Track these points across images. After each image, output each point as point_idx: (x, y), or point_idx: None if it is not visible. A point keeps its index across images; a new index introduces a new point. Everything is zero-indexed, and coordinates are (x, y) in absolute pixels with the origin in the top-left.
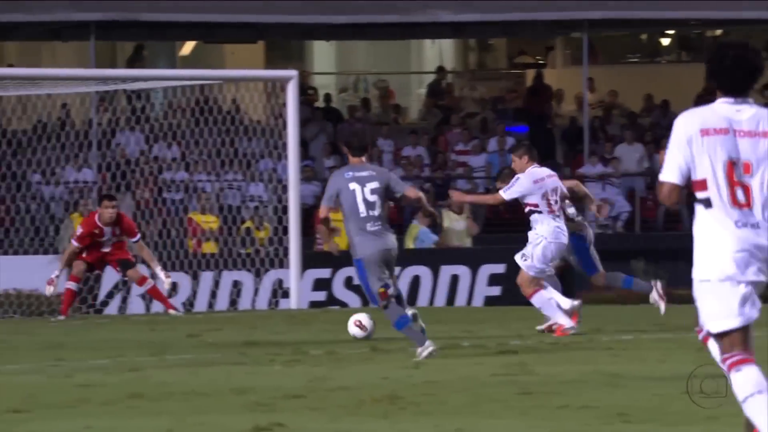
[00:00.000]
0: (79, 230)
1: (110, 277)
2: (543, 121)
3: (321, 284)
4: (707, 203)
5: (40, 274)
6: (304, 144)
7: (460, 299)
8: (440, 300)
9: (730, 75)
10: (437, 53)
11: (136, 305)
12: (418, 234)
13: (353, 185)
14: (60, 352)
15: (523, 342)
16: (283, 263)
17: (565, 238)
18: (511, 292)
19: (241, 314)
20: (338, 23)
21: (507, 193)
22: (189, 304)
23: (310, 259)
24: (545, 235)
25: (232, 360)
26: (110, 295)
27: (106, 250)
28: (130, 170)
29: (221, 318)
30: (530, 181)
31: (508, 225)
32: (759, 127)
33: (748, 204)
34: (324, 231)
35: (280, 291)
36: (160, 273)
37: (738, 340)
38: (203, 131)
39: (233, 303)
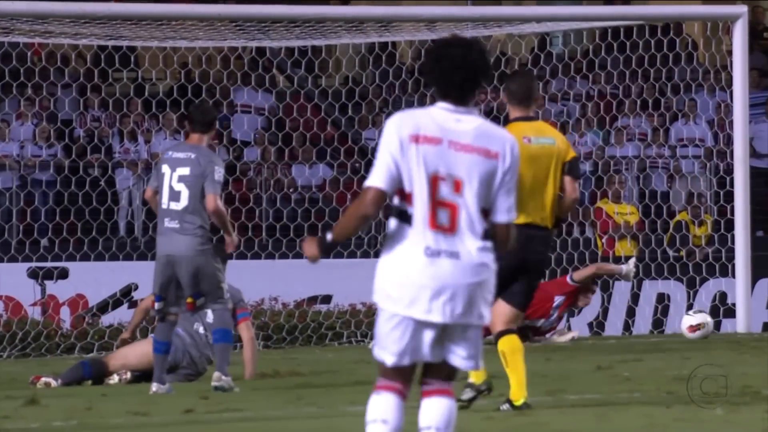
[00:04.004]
0: None
1: None
2: None
3: None
4: (407, 219)
5: None
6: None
7: None
8: None
9: (448, 78)
10: None
11: None
12: None
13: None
14: None
15: None
16: (727, 271)
17: None
18: None
19: (669, 339)
20: None
21: None
22: (598, 326)
23: (766, 264)
24: None
25: (654, 400)
26: None
27: None
28: None
29: (641, 344)
30: None
31: None
32: (479, 142)
33: (452, 228)
34: None
35: (722, 308)
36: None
37: (394, 372)
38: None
39: (657, 324)
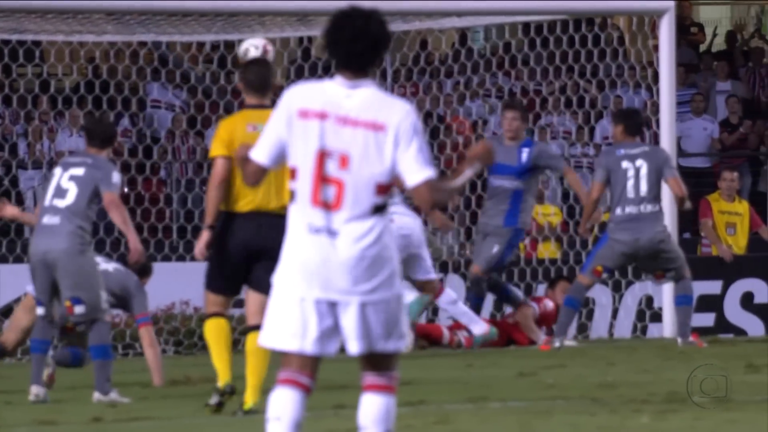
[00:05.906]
0: None
1: None
2: None
3: (708, 303)
4: (293, 196)
5: None
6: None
7: None
8: None
9: (348, 49)
10: None
11: None
12: None
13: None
14: None
15: None
16: None
17: None
18: None
19: (593, 345)
20: None
21: None
22: None
23: (692, 266)
24: None
25: (578, 407)
26: None
27: None
28: None
29: (565, 350)
30: None
31: None
32: (366, 115)
33: (336, 205)
34: None
35: (648, 312)
36: None
37: (296, 360)
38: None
39: (582, 329)
